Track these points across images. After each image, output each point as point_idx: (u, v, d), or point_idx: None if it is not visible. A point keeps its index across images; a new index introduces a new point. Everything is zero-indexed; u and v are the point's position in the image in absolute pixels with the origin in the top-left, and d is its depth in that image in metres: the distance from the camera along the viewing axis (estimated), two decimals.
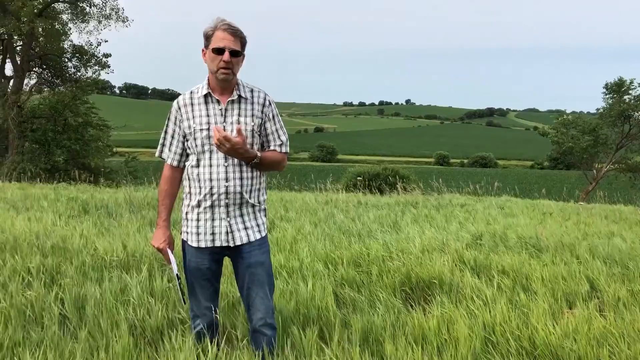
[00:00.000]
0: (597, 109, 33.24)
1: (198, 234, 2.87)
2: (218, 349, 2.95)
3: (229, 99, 2.83)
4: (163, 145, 2.96)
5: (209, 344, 2.92)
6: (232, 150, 2.68)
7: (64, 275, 4.55)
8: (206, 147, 2.81)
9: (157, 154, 2.99)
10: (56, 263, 4.87)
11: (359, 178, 18.39)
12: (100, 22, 25.37)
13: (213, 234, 2.85)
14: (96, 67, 26.18)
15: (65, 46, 25.98)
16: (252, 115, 2.85)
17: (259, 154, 2.81)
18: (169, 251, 2.92)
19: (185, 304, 3.01)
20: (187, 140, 2.87)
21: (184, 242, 2.96)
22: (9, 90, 23.31)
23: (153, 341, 3.38)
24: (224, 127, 2.81)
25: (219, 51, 2.72)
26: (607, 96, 32.17)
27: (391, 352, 3.15)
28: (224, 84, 2.81)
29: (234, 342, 3.31)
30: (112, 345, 3.12)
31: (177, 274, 2.89)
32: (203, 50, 2.81)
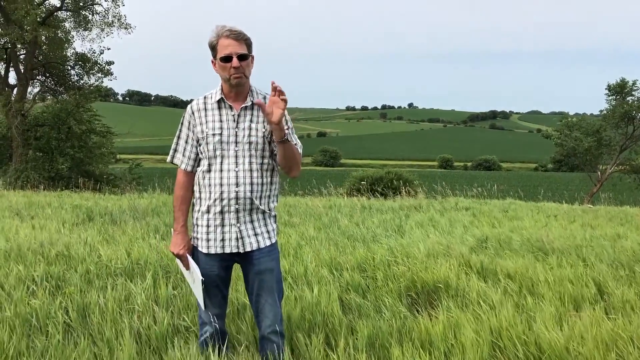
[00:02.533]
0: (601, 111, 33.18)
1: (208, 240, 2.86)
2: (220, 356, 2.93)
3: (242, 105, 2.83)
4: (175, 150, 2.94)
5: (212, 352, 2.90)
6: (283, 108, 2.64)
7: (69, 283, 4.54)
8: (218, 152, 2.80)
9: (168, 159, 2.97)
10: (61, 271, 4.87)
11: (362, 182, 18.34)
12: (102, 29, 25.42)
13: (223, 240, 2.84)
14: (99, 75, 26.24)
15: (68, 54, 26.07)
16: (264, 122, 2.84)
17: (289, 131, 2.81)
18: (189, 257, 2.90)
19: (206, 308, 2.96)
20: (199, 145, 2.87)
21: (193, 248, 2.95)
22: (12, 98, 23.37)
23: (157, 349, 3.36)
24: (236, 132, 2.81)
25: (226, 59, 2.71)
26: (610, 97, 32.11)
27: (398, 357, 3.13)
28: (239, 89, 2.80)
29: (238, 349, 3.30)
30: (117, 353, 3.10)
31: (202, 279, 2.86)
32: (212, 62, 2.81)
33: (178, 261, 2.97)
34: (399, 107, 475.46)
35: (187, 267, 2.91)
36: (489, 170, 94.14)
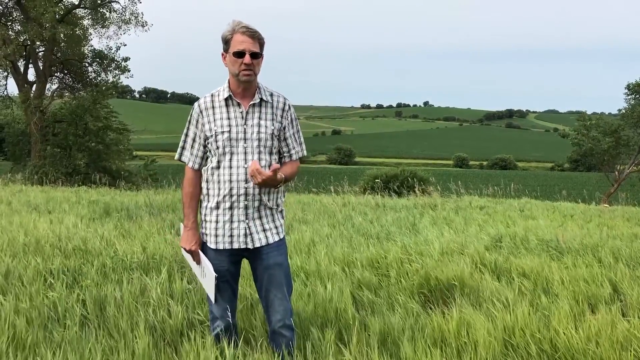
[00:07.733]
0: (619, 110, 32.71)
1: (216, 235, 2.89)
2: (235, 350, 2.96)
3: (251, 102, 2.85)
4: (183, 148, 2.97)
5: (227, 345, 2.92)
6: (263, 183, 2.71)
7: (85, 276, 4.60)
8: (227, 150, 2.82)
9: (176, 156, 3.00)
10: (77, 265, 4.93)
11: (376, 180, 18.32)
12: (120, 27, 25.71)
13: (231, 236, 2.87)
14: (116, 72, 26.52)
15: (86, 51, 26.37)
16: (272, 120, 2.88)
17: (282, 175, 2.82)
18: (201, 252, 2.93)
19: (216, 302, 2.98)
20: (208, 143, 2.89)
21: (202, 244, 2.98)
22: (31, 95, 23.69)
23: (172, 342, 3.40)
24: (245, 129, 2.83)
25: (239, 54, 2.74)
26: (629, 97, 31.65)
27: (410, 354, 3.13)
28: (247, 85, 2.83)
29: (253, 344, 3.32)
30: (132, 346, 3.14)
31: (215, 275, 2.86)
32: (223, 55, 2.84)
33: (187, 256, 3.00)
34: (415, 106, 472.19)
35: (199, 262, 2.93)
36: (504, 170, 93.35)
